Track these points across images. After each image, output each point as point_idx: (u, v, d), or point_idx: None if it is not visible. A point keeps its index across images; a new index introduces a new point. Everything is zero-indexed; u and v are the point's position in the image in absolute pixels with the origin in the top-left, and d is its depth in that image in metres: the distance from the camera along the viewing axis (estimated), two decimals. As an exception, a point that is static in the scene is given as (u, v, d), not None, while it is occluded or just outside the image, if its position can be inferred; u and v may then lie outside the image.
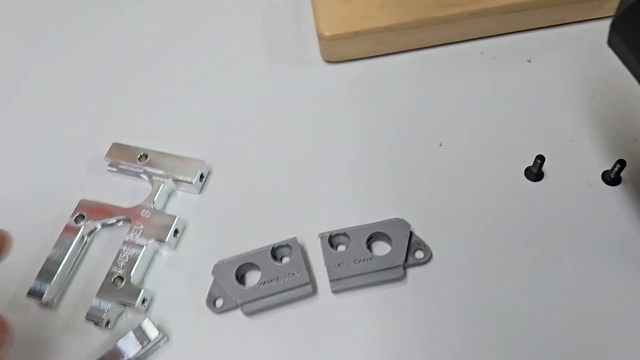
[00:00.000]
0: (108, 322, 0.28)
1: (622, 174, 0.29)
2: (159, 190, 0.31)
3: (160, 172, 0.32)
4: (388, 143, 0.33)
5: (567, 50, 0.35)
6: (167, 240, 0.29)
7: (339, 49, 0.35)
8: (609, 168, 0.29)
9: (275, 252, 0.29)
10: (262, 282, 0.28)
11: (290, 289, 0.27)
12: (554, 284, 0.27)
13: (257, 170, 0.32)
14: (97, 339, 0.28)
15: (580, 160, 0.31)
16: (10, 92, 0.38)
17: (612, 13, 0.21)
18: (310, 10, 0.36)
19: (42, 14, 0.42)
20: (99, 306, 0.28)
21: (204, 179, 0.32)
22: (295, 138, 0.33)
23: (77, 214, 0.31)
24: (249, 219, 0.31)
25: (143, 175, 0.32)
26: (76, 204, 0.31)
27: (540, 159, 0.29)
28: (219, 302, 0.28)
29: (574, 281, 0.27)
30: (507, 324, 0.26)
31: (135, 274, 0.29)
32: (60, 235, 0.30)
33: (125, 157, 0.32)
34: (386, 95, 0.34)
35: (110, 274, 0.29)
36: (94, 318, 0.27)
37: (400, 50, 0.36)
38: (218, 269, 0.28)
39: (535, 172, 0.30)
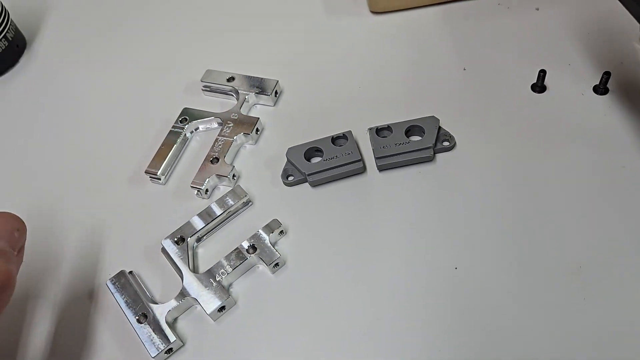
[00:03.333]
0: (207, 191, 0.37)
1: (610, 87, 0.37)
2: (244, 102, 0.40)
3: (244, 89, 0.41)
4: (423, 67, 0.41)
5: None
6: (251, 134, 0.38)
7: (383, 2, 0.44)
8: (597, 83, 0.37)
9: (334, 141, 0.37)
10: (324, 159, 0.36)
11: (345, 164, 0.36)
12: (554, 169, 0.35)
13: (319, 89, 0.41)
14: (198, 204, 0.37)
15: (576, 77, 0.38)
16: (128, 35, 0.48)
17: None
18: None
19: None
20: (200, 179, 0.37)
21: (278, 95, 0.41)
22: (347, 67, 0.42)
23: (182, 117, 0.40)
24: (313, 120, 0.39)
25: (231, 93, 0.41)
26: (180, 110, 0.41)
27: (542, 72, 0.37)
28: (291, 178, 0.36)
29: (570, 165, 0.35)
30: (517, 202, 0.34)
31: (227, 157, 0.37)
32: (169, 132, 0.39)
33: (217, 79, 0.42)
34: (422, 37, 0.43)
35: (208, 155, 0.38)
36: (197, 185, 0.36)
37: (433, 3, 0.44)
38: (290, 151, 0.37)
39: (539, 85, 0.38)
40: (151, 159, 0.38)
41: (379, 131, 0.37)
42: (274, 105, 0.41)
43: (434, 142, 0.36)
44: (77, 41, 0.49)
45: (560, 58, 0.40)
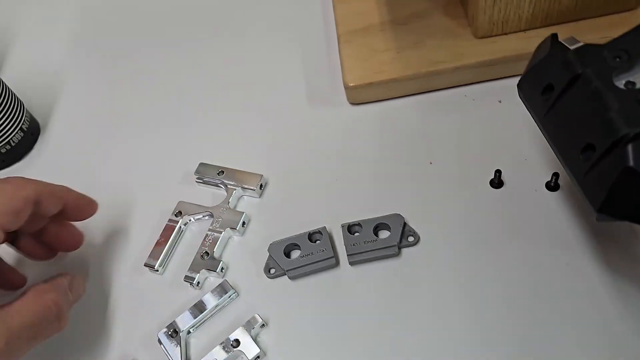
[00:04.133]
0: (198, 283, 0.41)
1: (560, 183, 0.41)
2: (232, 195, 0.45)
3: (233, 182, 0.45)
4: (393, 160, 0.45)
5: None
6: (237, 228, 0.43)
7: (360, 95, 0.48)
8: (549, 179, 0.41)
9: (311, 236, 0.41)
10: (301, 256, 0.41)
11: (320, 260, 0.40)
12: (505, 264, 0.38)
13: (300, 181, 0.45)
14: (191, 294, 0.41)
15: (531, 173, 0.42)
16: (130, 125, 0.53)
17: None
18: (339, 65, 0.50)
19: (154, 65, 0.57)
20: (192, 272, 0.41)
21: (262, 188, 0.46)
22: (327, 159, 0.46)
23: (177, 211, 0.45)
24: (293, 214, 0.44)
25: (220, 185, 0.46)
26: (175, 204, 0.45)
27: (498, 172, 0.41)
28: (272, 271, 0.41)
29: (520, 260, 0.39)
30: (474, 293, 0.38)
31: (216, 251, 0.42)
32: (165, 225, 0.44)
33: (209, 173, 0.46)
34: (394, 127, 0.47)
35: (200, 250, 0.42)
36: (189, 280, 0.41)
37: (404, 95, 0.48)
38: (272, 247, 0.41)
39: (496, 182, 0.42)
40: (150, 252, 0.43)
41: (350, 227, 0.41)
42: (259, 197, 0.45)
43: (399, 239, 0.40)
44: (86, 126, 0.54)
45: (518, 152, 0.43)
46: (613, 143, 0.26)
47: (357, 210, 0.42)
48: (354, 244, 0.40)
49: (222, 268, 0.41)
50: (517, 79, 0.48)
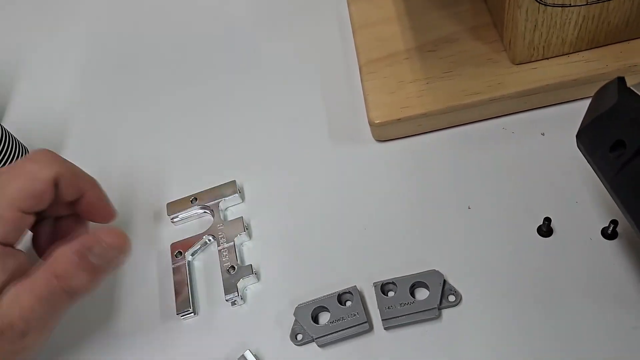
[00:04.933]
0: (241, 297, 0.39)
1: (619, 230, 0.36)
2: (219, 210, 0.43)
3: (211, 201, 0.43)
4: (427, 205, 0.41)
5: (575, 123, 0.42)
6: (245, 231, 0.42)
7: (386, 132, 0.44)
8: (606, 225, 0.37)
9: (340, 298, 0.37)
10: (331, 321, 0.37)
11: (352, 326, 0.36)
12: (561, 325, 0.34)
13: (325, 230, 0.42)
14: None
15: (583, 219, 0.38)
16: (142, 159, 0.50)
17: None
18: (362, 97, 0.46)
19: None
20: (229, 293, 0.39)
21: (241, 192, 0.44)
22: (354, 202, 0.42)
23: (176, 252, 0.42)
24: (318, 270, 0.40)
25: (201, 211, 0.44)
26: (169, 248, 0.42)
27: (547, 220, 0.37)
28: (299, 337, 0.37)
29: (577, 320, 0.34)
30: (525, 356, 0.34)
31: (239, 259, 0.41)
32: (173, 270, 0.41)
33: (181, 207, 0.44)
34: (425, 166, 0.43)
35: (222, 270, 0.40)
36: (231, 300, 0.39)
37: (435, 129, 0.44)
38: (298, 311, 0.38)
39: (545, 230, 0.37)
40: (175, 301, 0.40)
41: (384, 286, 0.37)
42: (243, 201, 0.45)
43: (438, 301, 0.36)
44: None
45: (568, 194, 0.39)
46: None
47: (389, 264, 0.39)
48: (388, 307, 0.36)
49: (253, 270, 0.40)
50: (560, 108, 0.44)
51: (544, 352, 0.34)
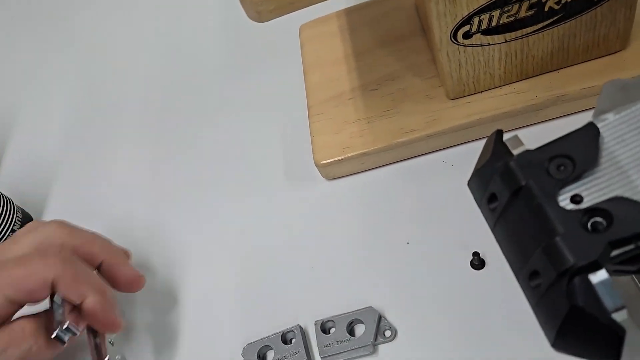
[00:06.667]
0: None
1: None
2: None
3: None
4: (369, 241, 0.43)
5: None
6: None
7: (333, 171, 0.46)
8: (534, 257, 0.38)
9: (285, 336, 0.40)
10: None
11: (294, 364, 0.39)
12: (493, 357, 0.36)
13: (275, 268, 0.44)
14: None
15: (515, 250, 0.39)
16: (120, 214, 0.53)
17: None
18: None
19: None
20: None
21: None
22: (304, 241, 0.45)
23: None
24: (267, 308, 0.42)
25: None
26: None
27: (476, 254, 0.38)
28: (248, 375, 0.40)
29: (510, 354, 0.36)
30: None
31: None
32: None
33: None
34: (369, 202, 0.45)
35: None
36: None
37: (378, 166, 0.46)
38: (246, 351, 0.40)
39: (477, 263, 0.39)
40: None
41: (324, 324, 0.39)
42: None
43: (373, 337, 0.38)
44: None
45: (501, 225, 0.40)
46: (558, 275, 0.23)
47: (332, 301, 0.41)
48: (326, 345, 0.38)
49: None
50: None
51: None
